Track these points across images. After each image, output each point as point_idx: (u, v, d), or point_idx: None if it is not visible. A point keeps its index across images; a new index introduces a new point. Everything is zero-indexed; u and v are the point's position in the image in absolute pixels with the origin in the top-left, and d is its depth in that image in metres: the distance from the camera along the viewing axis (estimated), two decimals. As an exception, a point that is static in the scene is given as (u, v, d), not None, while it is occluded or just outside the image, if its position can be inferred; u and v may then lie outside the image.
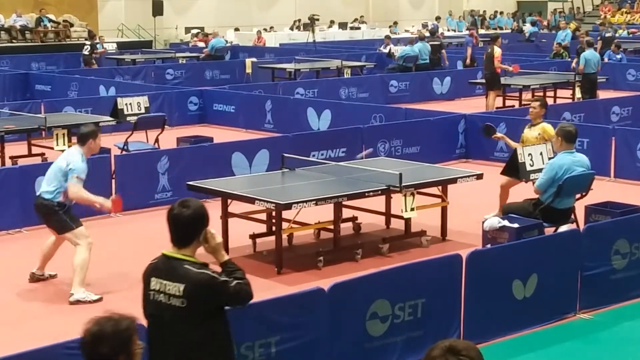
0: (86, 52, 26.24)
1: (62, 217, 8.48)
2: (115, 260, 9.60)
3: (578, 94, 19.61)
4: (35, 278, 8.92)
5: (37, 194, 8.67)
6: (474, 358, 2.94)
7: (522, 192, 10.04)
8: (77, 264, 8.36)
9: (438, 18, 40.74)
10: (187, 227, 4.79)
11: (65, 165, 8.39)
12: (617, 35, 34.89)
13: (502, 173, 10.33)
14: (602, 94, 19.29)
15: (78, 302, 8.32)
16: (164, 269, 4.77)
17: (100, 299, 8.38)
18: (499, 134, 11.34)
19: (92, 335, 3.71)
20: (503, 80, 19.86)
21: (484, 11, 46.12)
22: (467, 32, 30.63)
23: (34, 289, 8.77)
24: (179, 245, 4.81)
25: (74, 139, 13.75)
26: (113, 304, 8.22)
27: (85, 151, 8.53)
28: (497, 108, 18.82)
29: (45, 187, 8.50)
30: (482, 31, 40.03)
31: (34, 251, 10.06)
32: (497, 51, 19.06)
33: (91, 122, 12.78)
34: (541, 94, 20.44)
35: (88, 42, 27.49)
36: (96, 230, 10.71)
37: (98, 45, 28.05)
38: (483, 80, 20.48)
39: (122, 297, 8.48)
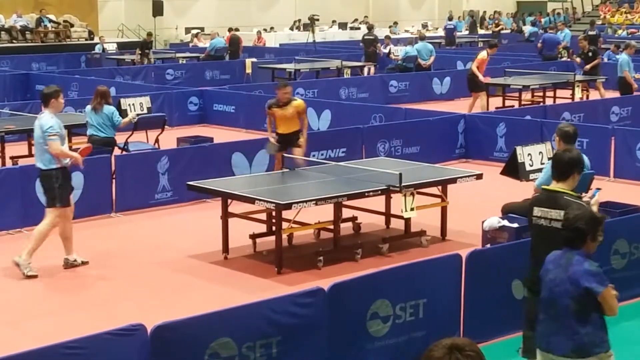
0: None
1: (55, 191, 8.91)
2: (115, 259, 9.60)
3: (578, 94, 19.58)
4: (68, 264, 9.22)
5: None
6: (477, 352, 2.96)
7: (522, 192, 10.04)
8: (37, 233, 8.91)
9: (471, 16, 40.52)
10: (565, 166, 5.97)
11: (40, 131, 8.86)
12: (616, 35, 34.90)
13: (502, 173, 10.33)
14: (602, 94, 19.27)
15: (18, 265, 8.90)
16: (546, 200, 6.03)
17: (35, 276, 8.87)
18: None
19: (575, 215, 5.13)
20: (503, 80, 19.85)
21: (484, 11, 46.10)
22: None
23: (34, 289, 8.77)
24: (558, 180, 5.98)
25: (75, 139, 13.83)
26: (113, 301, 8.26)
27: (52, 111, 9.00)
28: (497, 108, 18.79)
29: (38, 159, 8.99)
30: (481, 31, 40.01)
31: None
32: (482, 54, 18.99)
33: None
34: (541, 94, 20.51)
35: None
36: (96, 230, 10.75)
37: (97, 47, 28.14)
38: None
39: (122, 295, 8.52)
